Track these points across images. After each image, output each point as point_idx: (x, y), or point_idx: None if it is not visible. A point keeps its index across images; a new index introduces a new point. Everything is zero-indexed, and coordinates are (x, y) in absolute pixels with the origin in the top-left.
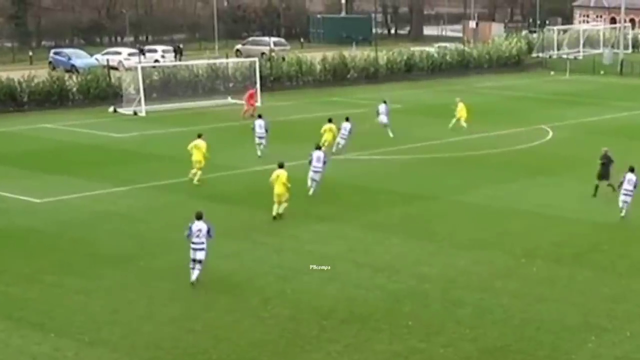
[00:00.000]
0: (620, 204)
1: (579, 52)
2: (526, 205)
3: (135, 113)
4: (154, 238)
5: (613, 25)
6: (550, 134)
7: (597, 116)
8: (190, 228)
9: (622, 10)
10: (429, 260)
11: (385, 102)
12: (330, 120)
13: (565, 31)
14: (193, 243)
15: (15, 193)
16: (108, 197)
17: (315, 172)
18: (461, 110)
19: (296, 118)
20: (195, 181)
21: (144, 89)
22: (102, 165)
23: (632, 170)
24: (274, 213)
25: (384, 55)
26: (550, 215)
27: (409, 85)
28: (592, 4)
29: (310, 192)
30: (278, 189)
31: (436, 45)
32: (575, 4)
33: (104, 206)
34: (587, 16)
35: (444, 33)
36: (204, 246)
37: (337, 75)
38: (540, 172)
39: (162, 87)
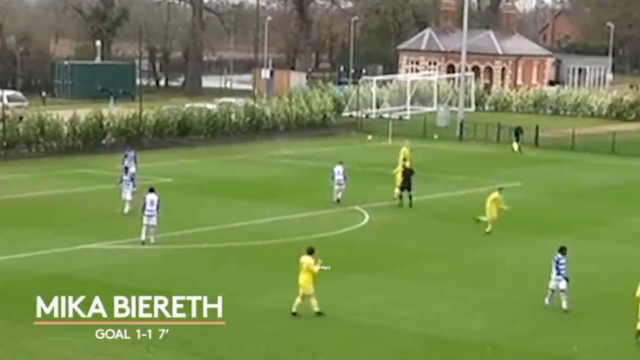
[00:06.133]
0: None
1: (405, 110)
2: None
3: None
4: None
5: (451, 75)
6: (367, 217)
7: (429, 194)
8: None
9: (463, 55)
10: None
11: (341, 162)
12: None
13: (385, 83)
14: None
15: None
16: None
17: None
18: None
19: (31, 196)
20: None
21: None
22: None
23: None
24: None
25: (153, 113)
26: (372, 326)
27: (184, 154)
28: (423, 47)
29: None
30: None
31: (219, 100)
32: (401, 47)
33: None
34: (417, 63)
35: (229, 85)
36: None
37: (90, 140)
38: (351, 267)
39: None
